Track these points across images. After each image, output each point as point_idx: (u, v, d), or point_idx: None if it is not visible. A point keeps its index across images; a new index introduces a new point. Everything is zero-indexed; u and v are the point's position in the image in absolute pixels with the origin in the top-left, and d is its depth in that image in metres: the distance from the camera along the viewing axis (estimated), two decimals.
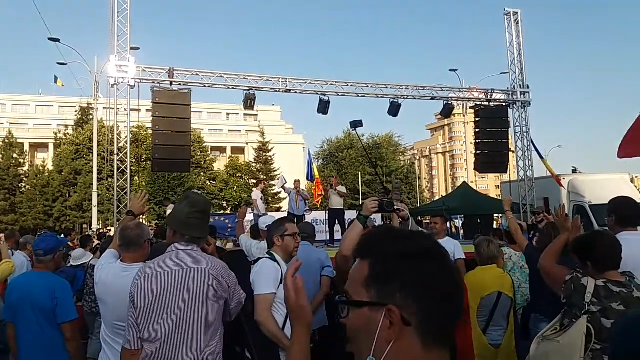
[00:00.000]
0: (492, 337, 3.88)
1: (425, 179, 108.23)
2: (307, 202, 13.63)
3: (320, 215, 16.15)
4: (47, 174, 40.80)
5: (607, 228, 3.57)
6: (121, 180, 12.94)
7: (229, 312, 2.72)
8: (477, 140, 15.93)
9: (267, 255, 3.51)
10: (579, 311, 2.68)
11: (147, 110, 14.18)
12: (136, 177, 32.61)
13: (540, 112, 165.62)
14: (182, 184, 39.12)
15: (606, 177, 17.04)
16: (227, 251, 6.47)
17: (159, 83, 13.01)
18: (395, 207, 3.16)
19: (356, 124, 6.14)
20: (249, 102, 13.92)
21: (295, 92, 14.53)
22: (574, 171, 21.22)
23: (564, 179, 16.87)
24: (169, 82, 13.07)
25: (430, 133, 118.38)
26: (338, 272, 3.07)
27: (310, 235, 4.91)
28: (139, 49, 16.03)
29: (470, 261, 8.17)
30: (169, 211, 10.80)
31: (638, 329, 1.29)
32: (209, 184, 44.64)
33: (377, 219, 15.87)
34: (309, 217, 13.67)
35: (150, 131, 15.19)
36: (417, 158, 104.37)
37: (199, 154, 42.91)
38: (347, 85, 14.82)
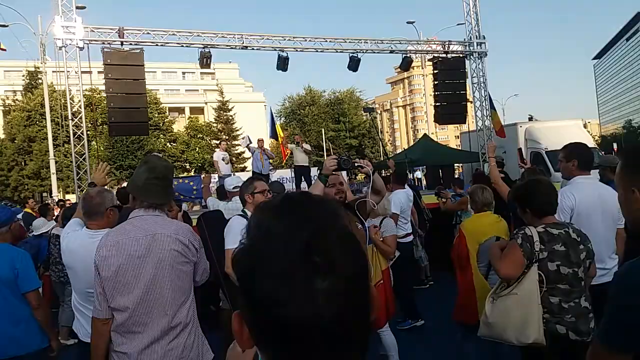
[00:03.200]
0: (492, 280, 4.01)
1: (387, 132, 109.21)
2: (271, 160, 13.62)
3: (286, 174, 16.20)
4: None
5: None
6: (78, 146, 12.56)
7: (198, 277, 2.65)
8: (436, 92, 16.07)
9: (240, 213, 3.77)
10: (530, 262, 2.77)
11: (99, 73, 13.61)
12: (93, 142, 31.60)
13: (497, 63, 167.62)
14: (142, 147, 38.20)
15: (561, 124, 17.56)
16: (207, 211, 6.42)
17: (109, 44, 12.47)
18: (357, 164, 3.21)
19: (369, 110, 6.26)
20: (205, 60, 13.52)
21: (252, 49, 14.20)
22: (530, 119, 21.74)
23: (521, 126, 17.26)
24: (119, 43, 12.54)
25: (391, 87, 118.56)
26: None
27: (280, 194, 5.01)
28: (85, 8, 15.23)
29: (436, 210, 8.42)
30: None
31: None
32: (169, 146, 43.68)
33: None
34: (274, 176, 13.70)
35: (104, 94, 14.67)
36: (379, 112, 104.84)
37: (156, 115, 41.68)
38: (305, 40, 14.53)
